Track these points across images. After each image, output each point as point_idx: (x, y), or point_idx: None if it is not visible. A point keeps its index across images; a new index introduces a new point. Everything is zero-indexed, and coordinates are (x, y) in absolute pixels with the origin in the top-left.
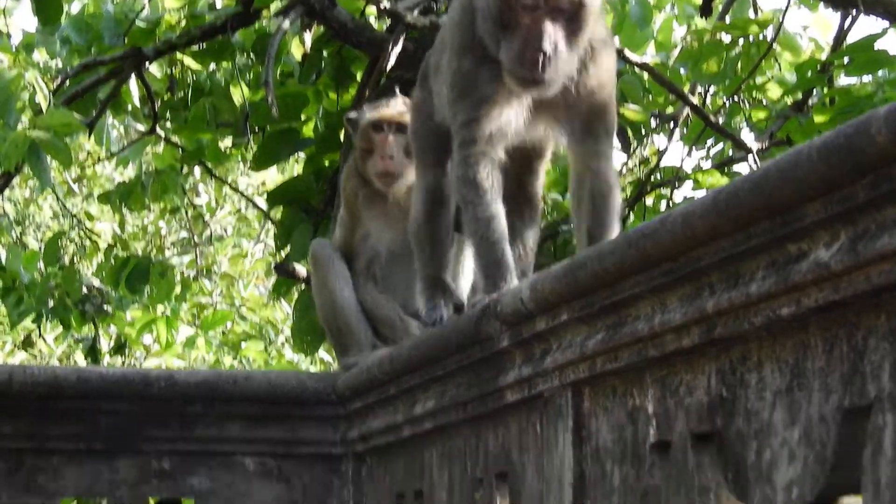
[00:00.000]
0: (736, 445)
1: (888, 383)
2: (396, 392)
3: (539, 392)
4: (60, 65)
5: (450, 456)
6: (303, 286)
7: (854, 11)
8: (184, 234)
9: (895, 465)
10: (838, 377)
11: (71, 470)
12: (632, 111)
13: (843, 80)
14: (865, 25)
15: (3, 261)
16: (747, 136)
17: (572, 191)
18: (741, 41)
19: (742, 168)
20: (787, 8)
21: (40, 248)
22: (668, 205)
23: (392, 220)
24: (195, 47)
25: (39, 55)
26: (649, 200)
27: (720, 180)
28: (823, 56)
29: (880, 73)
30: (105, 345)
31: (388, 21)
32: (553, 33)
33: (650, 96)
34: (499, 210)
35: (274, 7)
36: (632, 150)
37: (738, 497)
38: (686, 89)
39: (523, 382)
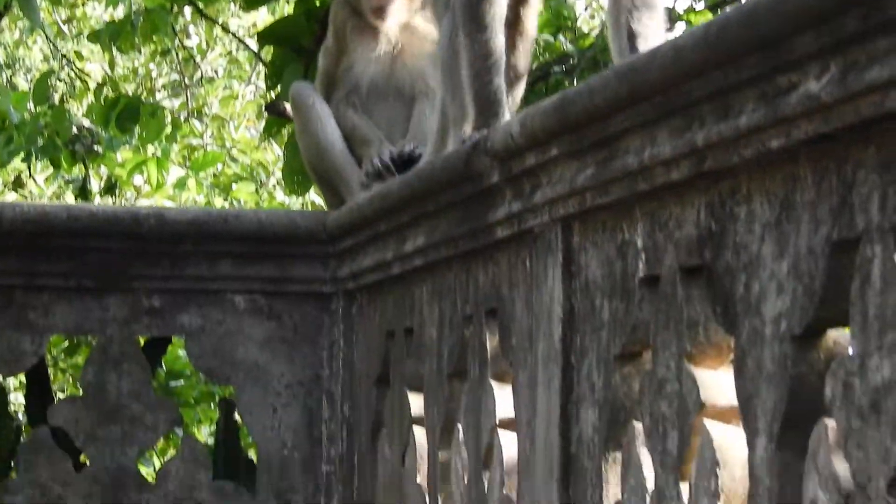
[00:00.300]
0: (725, 279)
1: (877, 215)
2: (387, 229)
3: (529, 228)
4: None
5: (440, 293)
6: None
7: None
8: (174, 76)
9: (883, 297)
10: (827, 209)
11: (61, 307)
12: None
13: None
14: None
15: None
16: None
17: (612, 16)
18: None
19: None
20: None
21: (30, 90)
22: None
23: (378, 54)
24: None
25: None
26: None
27: None
28: None
29: None
30: (95, 186)
31: None
32: None
33: None
34: (499, 43)
35: None
36: None
37: (727, 330)
38: None
39: (513, 218)
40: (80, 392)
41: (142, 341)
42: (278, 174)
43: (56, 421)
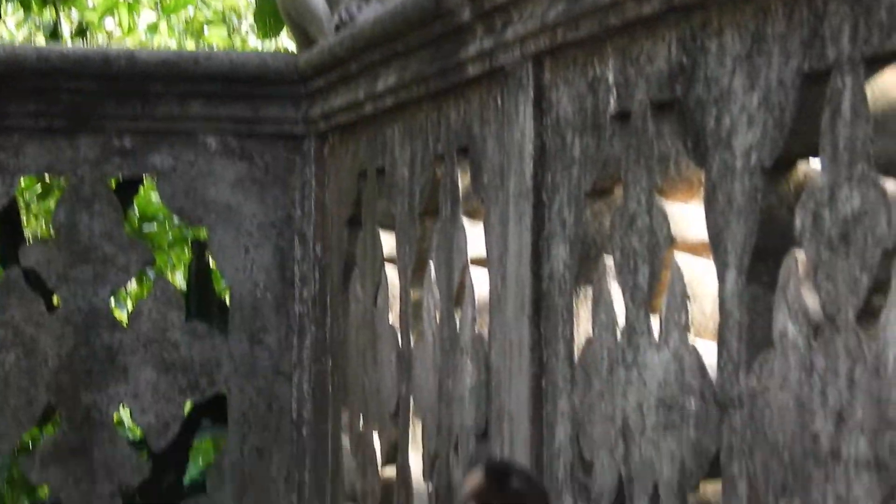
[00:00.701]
0: (696, 113)
1: (847, 46)
2: (358, 69)
3: (500, 65)
4: None
5: (411, 132)
6: None
7: None
8: None
9: (853, 128)
10: (798, 41)
11: (32, 147)
12: None
13: None
14: None
15: None
16: None
17: None
18: None
19: None
20: None
21: None
22: None
23: None
24: None
25: None
26: None
27: None
28: None
29: None
30: (67, 30)
31: None
32: None
33: None
34: None
35: None
36: None
37: (697, 164)
38: None
39: (484, 56)
40: (52, 234)
41: (114, 184)
42: (251, 19)
43: (28, 262)
